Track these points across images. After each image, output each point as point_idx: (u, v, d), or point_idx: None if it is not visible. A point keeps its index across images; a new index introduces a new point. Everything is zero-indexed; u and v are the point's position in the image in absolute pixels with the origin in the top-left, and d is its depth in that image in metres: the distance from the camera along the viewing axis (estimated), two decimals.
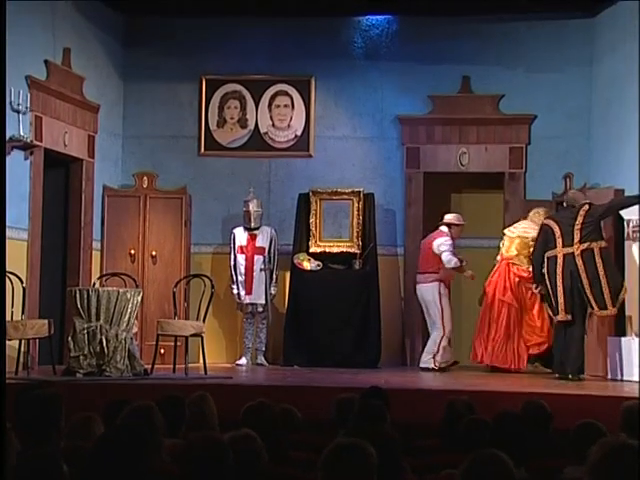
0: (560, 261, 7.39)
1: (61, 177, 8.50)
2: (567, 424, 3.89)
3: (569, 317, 7.33)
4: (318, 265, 8.77)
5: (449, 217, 8.36)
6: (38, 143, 7.67)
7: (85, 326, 6.83)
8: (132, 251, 8.82)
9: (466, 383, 7.06)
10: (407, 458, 3.40)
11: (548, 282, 7.46)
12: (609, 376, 7.36)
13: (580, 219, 7.37)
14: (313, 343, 8.50)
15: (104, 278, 8.00)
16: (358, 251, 8.77)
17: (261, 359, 8.70)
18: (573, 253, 7.35)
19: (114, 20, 9.13)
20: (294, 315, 8.66)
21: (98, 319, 6.85)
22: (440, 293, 8.19)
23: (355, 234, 8.84)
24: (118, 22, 9.19)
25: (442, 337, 8.18)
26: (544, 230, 7.61)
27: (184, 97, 9.26)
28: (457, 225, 8.28)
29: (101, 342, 6.80)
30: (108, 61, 9.06)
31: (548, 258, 7.50)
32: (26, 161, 7.64)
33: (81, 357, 6.81)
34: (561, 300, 7.36)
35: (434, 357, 8.17)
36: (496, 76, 8.95)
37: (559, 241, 7.42)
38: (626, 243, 7.50)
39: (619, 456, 2.36)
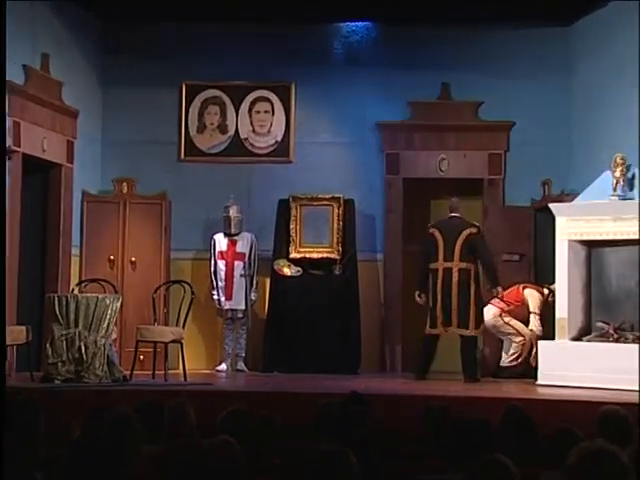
0: (440, 274, 7.81)
1: (40, 183, 8.45)
2: (543, 429, 3.91)
3: (443, 331, 7.81)
4: (298, 271, 8.77)
5: (555, 286, 7.89)
6: (16, 148, 7.62)
7: (63, 332, 6.79)
8: (111, 257, 8.78)
9: (445, 389, 7.08)
10: (388, 464, 3.40)
11: (430, 294, 7.82)
12: (539, 381, 7.37)
13: (462, 239, 7.81)
14: (293, 349, 8.49)
15: (83, 284, 7.95)
16: (338, 257, 8.78)
17: (241, 365, 8.68)
18: (452, 269, 7.77)
19: (94, 25, 9.09)
20: (274, 321, 8.66)
21: (77, 325, 6.81)
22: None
23: (335, 240, 8.85)
24: (98, 27, 9.16)
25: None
26: (429, 240, 7.94)
27: (164, 103, 9.23)
28: (554, 293, 7.98)
29: (80, 348, 6.76)
30: (87, 66, 9.02)
31: (430, 270, 7.85)
32: None
33: (59, 364, 6.76)
34: (439, 315, 7.77)
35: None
36: (475, 83, 9.00)
37: (441, 255, 7.83)
38: (558, 243, 7.57)
39: (597, 461, 2.37)
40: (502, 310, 8.28)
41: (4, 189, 6.22)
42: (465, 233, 7.85)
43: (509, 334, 8.29)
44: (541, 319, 8.19)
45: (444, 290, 7.78)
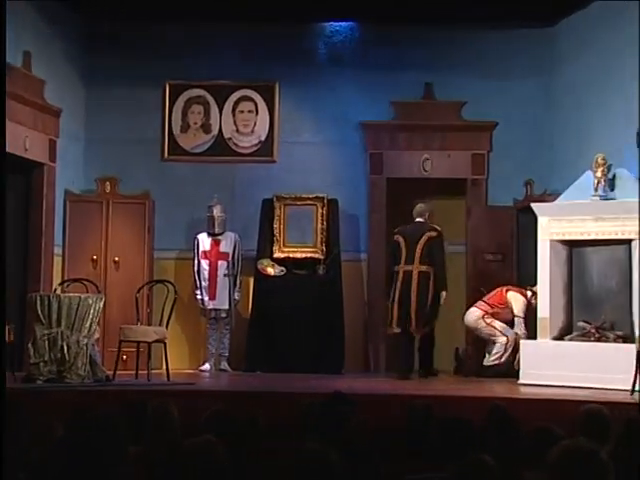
0: (401, 277, 8.16)
1: (22, 182, 8.40)
2: (525, 428, 3.93)
3: (398, 330, 8.11)
4: (282, 271, 8.77)
5: (537, 288, 8.03)
6: None
7: (45, 332, 6.76)
8: (94, 257, 8.74)
9: (428, 388, 7.10)
10: (372, 463, 3.41)
11: (391, 295, 8.18)
12: (521, 380, 7.40)
13: (422, 243, 8.16)
14: (276, 349, 8.49)
15: (65, 284, 7.91)
16: (322, 257, 8.79)
17: (224, 365, 8.67)
18: (412, 272, 8.10)
19: (76, 23, 9.05)
20: (258, 321, 8.65)
21: (59, 325, 6.78)
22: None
23: (319, 240, 8.85)
24: (80, 26, 9.11)
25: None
26: (394, 244, 8.30)
27: (147, 102, 9.20)
28: (536, 295, 8.05)
29: (62, 348, 6.73)
30: (70, 65, 8.98)
31: (395, 272, 8.23)
32: None
33: (41, 364, 6.73)
34: (395, 315, 8.08)
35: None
36: (458, 83, 9.03)
37: (403, 258, 8.20)
38: (540, 242, 7.62)
39: (577, 459, 2.39)
40: (485, 312, 8.33)
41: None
42: (425, 237, 8.18)
43: (491, 335, 8.34)
44: (525, 322, 8.24)
45: (403, 291, 8.14)
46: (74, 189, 8.95)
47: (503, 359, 8.27)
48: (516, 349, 8.03)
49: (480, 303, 8.41)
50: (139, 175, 9.08)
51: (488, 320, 8.32)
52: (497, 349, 8.32)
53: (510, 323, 8.31)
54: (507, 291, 8.38)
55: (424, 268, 8.13)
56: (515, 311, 8.28)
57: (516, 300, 8.30)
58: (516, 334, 8.22)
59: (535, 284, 8.10)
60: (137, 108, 9.17)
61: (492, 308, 8.34)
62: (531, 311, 8.19)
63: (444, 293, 8.18)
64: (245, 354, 8.63)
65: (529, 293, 8.28)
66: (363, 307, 9.09)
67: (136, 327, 7.56)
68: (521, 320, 8.25)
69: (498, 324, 8.31)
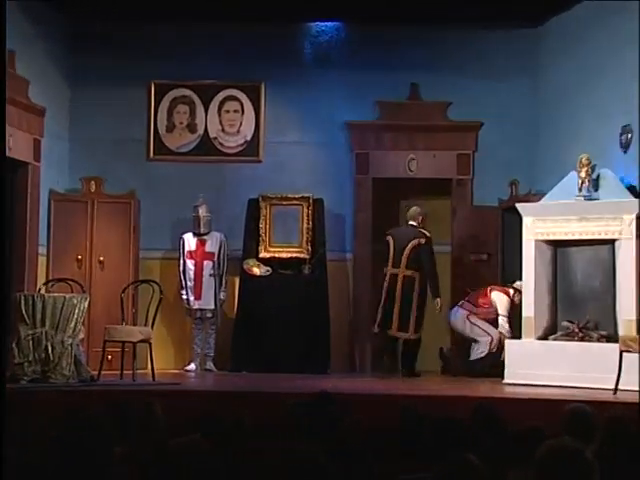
0: (387, 279, 8.31)
1: (6, 181, 8.34)
2: (511, 428, 3.95)
3: (377, 330, 8.32)
4: (267, 270, 8.76)
5: (519, 284, 8.12)
6: None
7: (30, 332, 6.73)
8: (79, 256, 8.71)
9: (416, 388, 7.12)
10: (361, 464, 3.42)
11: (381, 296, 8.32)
12: (506, 380, 7.44)
13: (409, 248, 8.27)
14: (262, 349, 8.48)
15: (50, 284, 7.88)
16: (307, 256, 8.79)
17: (210, 365, 8.66)
18: (397, 275, 8.24)
19: (61, 24, 9.01)
20: (243, 321, 8.64)
21: (43, 325, 6.75)
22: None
23: (304, 240, 8.85)
24: (65, 26, 9.07)
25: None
26: (385, 246, 8.44)
27: (132, 101, 9.18)
28: (521, 293, 8.07)
29: (46, 348, 6.70)
30: (55, 64, 8.94)
31: (383, 274, 8.39)
32: None
33: (25, 364, 6.70)
34: (379, 316, 8.17)
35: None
36: (444, 83, 9.05)
37: (390, 261, 8.32)
38: (525, 242, 7.66)
39: (562, 458, 2.41)
40: (470, 312, 8.38)
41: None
42: (413, 243, 8.28)
43: (476, 335, 8.38)
44: (509, 321, 8.28)
45: (388, 294, 8.26)
46: (59, 189, 8.91)
47: (488, 356, 8.32)
48: (501, 347, 8.07)
49: (464, 303, 8.46)
50: (124, 175, 9.05)
51: (473, 320, 8.37)
52: (482, 348, 8.37)
53: (494, 322, 8.35)
54: (491, 291, 8.42)
55: (409, 273, 8.26)
56: (499, 310, 8.33)
57: (500, 300, 8.34)
58: (500, 333, 8.27)
59: (516, 280, 8.21)
60: (122, 108, 9.14)
61: (476, 308, 8.39)
62: (515, 309, 8.24)
63: (439, 300, 8.27)
64: (231, 354, 8.62)
65: (512, 291, 8.33)
66: (349, 307, 9.10)
67: (121, 327, 7.54)
68: (505, 319, 8.29)
69: (483, 324, 8.36)
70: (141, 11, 8.76)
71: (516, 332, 7.96)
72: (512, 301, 8.31)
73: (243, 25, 9.02)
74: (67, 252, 8.70)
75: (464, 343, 8.62)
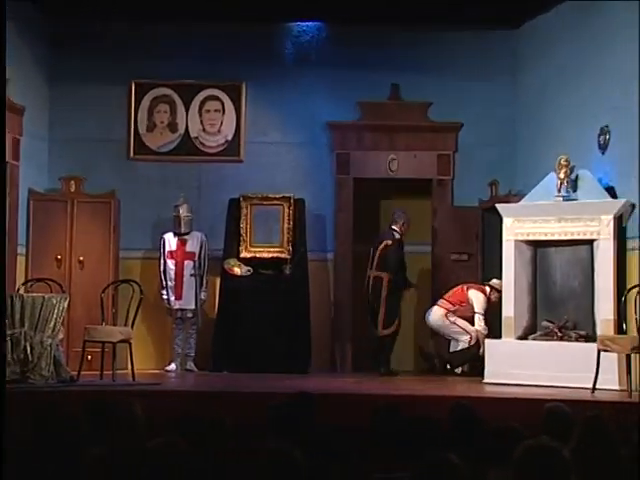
0: (365, 281, 8.56)
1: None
2: (490, 427, 3.97)
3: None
4: (248, 270, 8.76)
5: (496, 282, 8.29)
6: None
7: (8, 332, 6.68)
8: (59, 256, 8.66)
9: (394, 387, 7.14)
10: (337, 463, 3.42)
11: None
12: (486, 379, 7.48)
13: (380, 250, 8.50)
14: (243, 348, 8.48)
15: (29, 284, 7.84)
16: (288, 256, 8.79)
17: (190, 365, 8.64)
18: (370, 276, 8.50)
19: (40, 21, 8.95)
20: (224, 320, 8.63)
21: (22, 325, 6.71)
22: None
23: (285, 239, 8.85)
24: (44, 23, 9.02)
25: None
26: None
27: (113, 100, 9.14)
28: (499, 291, 8.17)
29: (25, 349, 6.67)
30: (34, 62, 8.88)
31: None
32: None
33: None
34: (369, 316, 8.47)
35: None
36: (424, 84, 9.09)
37: (369, 263, 8.57)
38: (505, 243, 7.71)
39: (540, 457, 2.43)
40: (448, 310, 8.42)
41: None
42: (383, 244, 8.48)
43: (455, 333, 8.42)
44: (485, 318, 8.34)
45: (365, 295, 8.49)
46: (38, 188, 8.86)
47: (467, 356, 8.37)
48: (479, 344, 8.13)
49: (442, 302, 8.50)
50: (104, 174, 9.01)
51: (452, 319, 8.41)
52: (461, 346, 8.42)
53: (471, 320, 8.41)
54: (468, 289, 8.48)
55: (377, 273, 8.49)
56: (476, 308, 8.38)
57: (476, 297, 8.40)
58: (477, 331, 8.33)
59: (493, 278, 8.27)
60: (102, 107, 9.10)
61: (454, 306, 8.44)
62: (491, 306, 8.31)
63: (408, 291, 8.44)
64: (212, 354, 8.61)
65: (488, 289, 8.39)
66: (329, 307, 9.11)
67: (101, 327, 7.51)
68: (481, 317, 8.35)
69: (461, 322, 8.41)
70: (122, 10, 8.72)
71: (495, 331, 8.01)
72: (489, 299, 8.37)
73: (224, 25, 9.00)
74: (46, 252, 8.65)
75: (443, 342, 8.65)
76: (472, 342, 8.34)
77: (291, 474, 2.52)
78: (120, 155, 9.16)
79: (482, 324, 8.33)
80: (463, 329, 8.41)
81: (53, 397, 5.97)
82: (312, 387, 6.67)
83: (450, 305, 8.45)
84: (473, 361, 8.21)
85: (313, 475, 2.72)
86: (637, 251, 7.13)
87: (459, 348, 8.44)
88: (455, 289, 8.52)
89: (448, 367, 8.44)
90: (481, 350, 8.06)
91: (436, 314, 8.48)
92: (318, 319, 8.79)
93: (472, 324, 8.40)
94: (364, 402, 5.62)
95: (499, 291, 8.16)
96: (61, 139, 9.10)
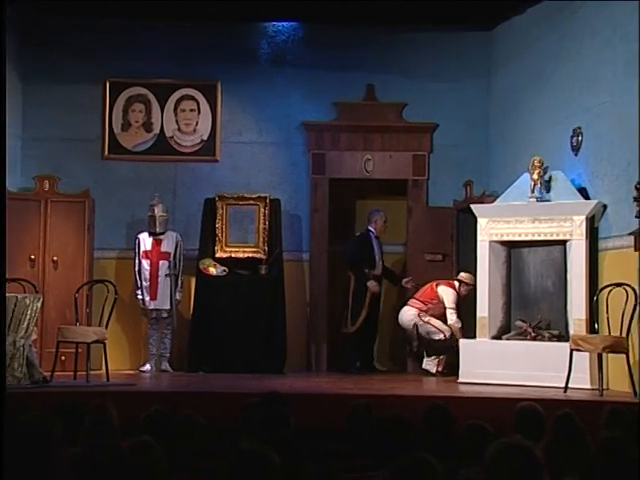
0: None
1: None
2: (463, 426, 4.00)
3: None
4: (224, 270, 8.74)
5: (463, 275, 8.42)
6: None
7: None
8: (32, 256, 8.60)
9: (368, 387, 7.16)
10: (312, 463, 3.43)
11: None
12: (461, 379, 7.51)
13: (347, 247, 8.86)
14: (218, 349, 8.46)
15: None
16: (264, 256, 8.79)
17: (165, 365, 8.61)
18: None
19: (12, 18, 8.88)
20: (199, 321, 8.61)
21: None
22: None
23: (261, 240, 8.85)
24: (17, 22, 8.95)
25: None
26: None
27: (87, 99, 9.08)
28: (468, 284, 8.32)
29: None
30: (7, 60, 8.78)
31: None
32: None
33: None
34: None
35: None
36: (400, 85, 9.12)
37: None
38: (479, 243, 7.76)
39: (515, 456, 2.45)
40: (420, 310, 8.45)
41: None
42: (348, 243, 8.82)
43: (429, 332, 8.46)
44: (457, 312, 8.37)
45: None
46: (11, 187, 8.78)
47: (441, 356, 8.40)
48: (455, 338, 8.17)
49: (413, 301, 8.54)
50: (79, 174, 8.96)
51: (425, 318, 8.44)
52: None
53: (444, 316, 8.44)
54: (437, 285, 8.51)
55: (348, 272, 8.75)
56: (446, 304, 8.40)
57: (446, 293, 8.43)
58: (451, 327, 8.35)
59: (461, 272, 8.38)
60: (77, 106, 9.04)
61: (426, 305, 8.46)
62: (462, 299, 8.36)
63: (369, 283, 8.60)
64: (187, 354, 8.59)
65: (457, 283, 8.43)
66: (305, 307, 9.11)
67: (75, 327, 7.47)
68: (453, 311, 8.38)
69: (435, 321, 8.44)
70: (97, 7, 8.67)
71: (469, 331, 8.04)
72: (458, 293, 8.41)
73: (200, 24, 8.98)
74: (20, 252, 8.57)
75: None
76: (447, 338, 8.39)
77: (266, 474, 2.52)
78: (95, 154, 9.11)
79: (454, 317, 8.37)
80: (437, 328, 8.45)
81: (26, 398, 5.92)
82: (287, 387, 6.68)
83: (421, 304, 8.48)
84: (450, 354, 8.22)
85: (288, 475, 2.73)
86: (609, 251, 7.21)
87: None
88: (425, 287, 8.57)
89: (424, 354, 8.42)
90: (459, 342, 8.10)
91: (410, 313, 8.50)
92: (294, 319, 8.79)
93: (445, 320, 8.44)
94: (339, 402, 5.63)
95: (468, 284, 8.26)
96: (35, 138, 9.03)
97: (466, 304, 8.41)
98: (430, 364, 8.40)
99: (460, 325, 8.30)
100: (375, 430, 3.83)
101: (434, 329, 8.44)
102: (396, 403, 5.78)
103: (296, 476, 3.03)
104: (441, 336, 8.42)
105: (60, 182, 8.81)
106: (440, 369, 8.35)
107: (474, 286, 8.11)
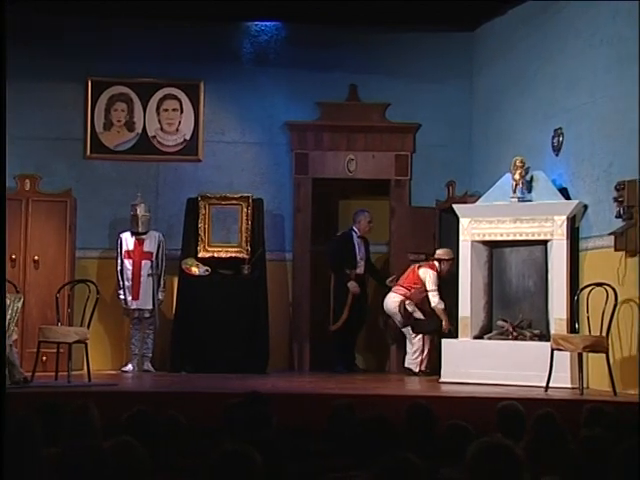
0: None
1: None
2: (445, 426, 4.02)
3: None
4: (207, 270, 8.73)
5: (440, 252, 8.42)
6: None
7: None
8: (13, 256, 8.55)
9: (350, 387, 7.17)
10: (294, 462, 3.44)
11: None
12: (443, 378, 7.53)
13: None
14: (201, 349, 8.45)
15: None
16: (247, 256, 8.78)
17: (148, 365, 8.58)
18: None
19: None
20: (182, 321, 8.59)
21: None
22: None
23: (244, 239, 8.84)
24: None
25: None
26: None
27: (69, 98, 9.04)
28: (447, 260, 8.32)
29: None
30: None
31: None
32: None
33: None
34: None
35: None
36: (382, 85, 9.14)
37: None
38: (462, 243, 7.81)
39: (496, 455, 2.46)
40: (404, 297, 8.42)
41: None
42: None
43: (414, 312, 8.43)
44: (439, 293, 8.35)
45: None
46: None
47: (425, 351, 8.40)
48: (440, 320, 8.18)
49: (397, 287, 8.52)
50: (61, 173, 8.92)
51: (410, 308, 8.41)
52: (419, 339, 8.43)
53: (426, 299, 8.40)
54: (419, 268, 8.51)
55: (333, 275, 8.88)
56: (428, 286, 8.36)
57: (427, 274, 8.40)
58: (434, 307, 8.33)
59: (437, 249, 8.48)
60: (58, 104, 9.00)
61: (409, 290, 8.43)
62: (444, 277, 8.37)
63: (350, 284, 8.60)
64: (170, 354, 8.56)
65: (437, 263, 8.43)
66: (287, 306, 9.12)
67: (56, 327, 7.43)
68: (435, 293, 8.35)
69: (419, 314, 8.43)
70: (79, 6, 8.63)
71: (452, 331, 8.06)
72: (439, 273, 8.40)
73: (183, 23, 8.96)
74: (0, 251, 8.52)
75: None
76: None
77: (248, 474, 2.52)
78: (76, 154, 9.07)
79: (436, 299, 8.33)
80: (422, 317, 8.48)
81: (6, 399, 5.89)
82: (269, 387, 6.68)
83: (405, 290, 8.45)
84: (435, 334, 8.23)
85: (270, 475, 2.73)
86: (589, 251, 7.26)
87: (416, 339, 8.44)
88: (407, 272, 8.56)
89: (410, 333, 8.41)
90: (443, 325, 8.11)
91: (393, 301, 8.47)
92: (276, 319, 8.79)
93: (428, 303, 8.40)
94: (321, 402, 5.63)
95: (447, 260, 8.30)
96: (16, 137, 8.95)
97: (443, 276, 8.38)
98: (413, 364, 8.41)
99: (443, 306, 8.27)
100: (357, 430, 3.84)
101: (419, 315, 8.46)
102: (378, 403, 5.80)
103: (278, 476, 3.03)
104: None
105: (42, 181, 8.77)
106: (422, 368, 8.37)
107: (454, 259, 8.12)
